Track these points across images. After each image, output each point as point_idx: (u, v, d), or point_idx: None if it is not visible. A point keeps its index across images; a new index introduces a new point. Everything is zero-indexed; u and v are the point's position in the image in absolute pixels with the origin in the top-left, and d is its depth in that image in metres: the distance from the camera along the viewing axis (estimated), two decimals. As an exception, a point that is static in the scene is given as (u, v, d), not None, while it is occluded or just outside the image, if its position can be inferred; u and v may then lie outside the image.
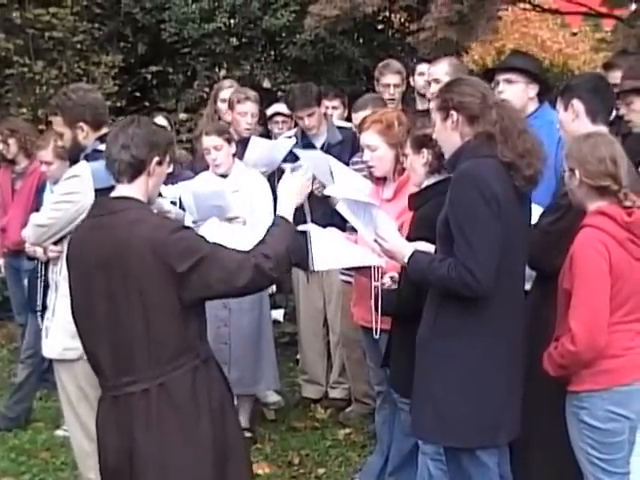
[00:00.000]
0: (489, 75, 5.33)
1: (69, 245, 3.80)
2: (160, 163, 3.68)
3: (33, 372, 6.61)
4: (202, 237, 3.58)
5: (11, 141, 7.09)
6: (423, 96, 7.16)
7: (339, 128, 6.67)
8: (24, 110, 10.21)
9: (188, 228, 3.62)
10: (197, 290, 3.47)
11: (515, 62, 5.44)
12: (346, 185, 5.45)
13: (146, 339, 3.48)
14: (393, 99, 6.97)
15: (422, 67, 7.26)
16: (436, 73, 6.12)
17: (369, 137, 4.97)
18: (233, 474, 3.67)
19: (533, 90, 5.26)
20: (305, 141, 6.59)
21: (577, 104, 4.35)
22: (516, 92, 5.15)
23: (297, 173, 3.95)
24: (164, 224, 3.56)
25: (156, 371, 3.49)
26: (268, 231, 3.67)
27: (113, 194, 3.67)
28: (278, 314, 7.73)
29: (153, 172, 3.66)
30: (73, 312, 3.73)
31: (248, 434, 5.94)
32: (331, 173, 5.72)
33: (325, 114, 6.79)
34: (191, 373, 3.55)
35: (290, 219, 3.74)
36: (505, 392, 3.81)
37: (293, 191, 3.84)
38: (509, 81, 5.24)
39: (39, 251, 4.91)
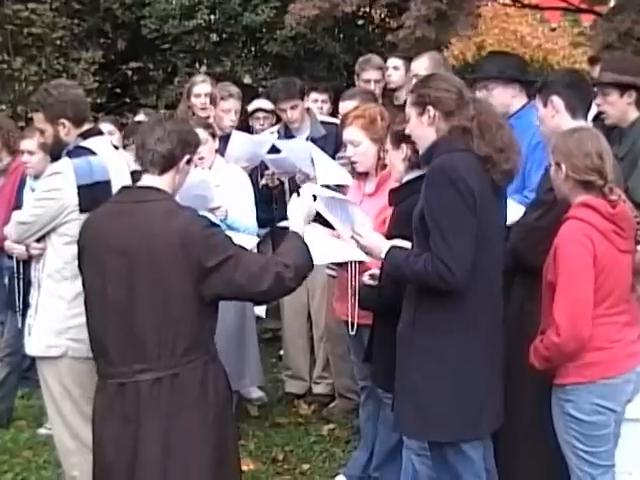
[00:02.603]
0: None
1: (83, 227, 3.82)
2: (189, 162, 3.77)
3: (13, 371, 6.56)
4: (229, 237, 3.67)
5: (-7, 138, 7.02)
6: (393, 91, 7.17)
7: (323, 123, 6.68)
8: (3, 107, 10.16)
9: (217, 226, 3.73)
10: (220, 287, 3.54)
11: (488, 69, 5.48)
12: (325, 172, 5.45)
13: (163, 328, 3.53)
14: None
15: (394, 61, 7.24)
16: (416, 69, 6.12)
17: (352, 132, 4.97)
18: (230, 470, 3.75)
19: (514, 89, 5.30)
20: (288, 135, 6.59)
21: (556, 100, 4.37)
22: (496, 96, 5.21)
23: (303, 196, 4.03)
24: (197, 219, 3.65)
25: (171, 361, 3.54)
26: (285, 243, 3.78)
27: (140, 183, 3.73)
28: (260, 310, 7.70)
29: (182, 169, 3.75)
30: (86, 295, 3.76)
31: (232, 430, 5.96)
32: (312, 160, 5.72)
33: (308, 109, 6.79)
34: (202, 367, 3.62)
35: (302, 233, 3.84)
36: (485, 384, 3.82)
37: (302, 210, 3.94)
38: (486, 87, 5.28)
39: (17, 249, 4.88)
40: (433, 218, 3.66)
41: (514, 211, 4.29)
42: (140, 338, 3.54)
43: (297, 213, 3.92)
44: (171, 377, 3.54)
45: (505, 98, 5.24)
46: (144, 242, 3.52)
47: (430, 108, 3.83)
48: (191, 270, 3.49)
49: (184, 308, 3.53)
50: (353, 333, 4.66)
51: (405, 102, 6.60)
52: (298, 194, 4.06)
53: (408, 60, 7.16)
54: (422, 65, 6.09)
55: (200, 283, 3.51)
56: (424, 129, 3.88)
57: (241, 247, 3.66)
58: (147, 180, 3.71)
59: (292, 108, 6.54)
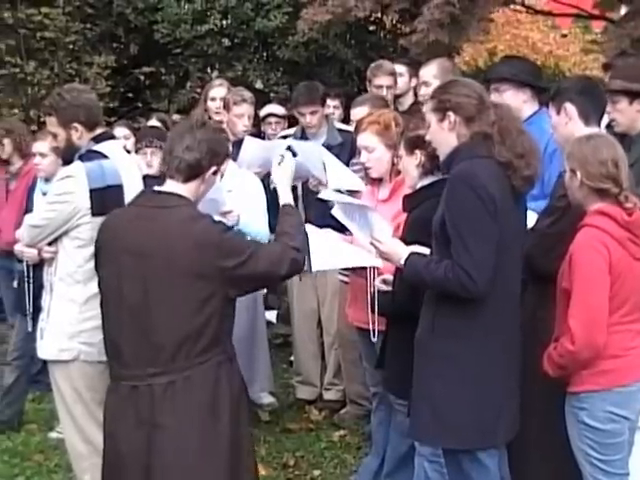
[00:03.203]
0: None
1: (101, 228, 3.82)
2: (215, 173, 3.76)
3: (22, 374, 6.56)
4: (244, 237, 3.79)
5: (6, 141, 7.04)
6: (397, 97, 7.17)
7: (340, 131, 6.65)
8: (16, 111, 10.23)
9: (232, 229, 3.78)
10: (245, 283, 3.64)
11: (502, 71, 5.48)
12: (338, 177, 5.44)
13: (180, 331, 3.53)
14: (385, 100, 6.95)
15: (398, 67, 7.24)
16: (425, 76, 6.10)
17: (366, 138, 4.96)
18: (245, 471, 3.74)
19: (525, 94, 5.28)
20: (304, 140, 6.55)
21: (569, 107, 4.36)
22: (506, 99, 5.16)
23: (284, 162, 4.10)
24: (215, 224, 3.66)
25: (185, 364, 3.55)
26: (285, 221, 3.83)
27: (162, 188, 3.72)
28: (271, 315, 7.73)
29: (207, 179, 3.75)
30: (102, 296, 3.76)
31: (243, 435, 5.95)
32: (324, 165, 5.71)
33: (327, 116, 6.77)
34: (215, 368, 3.61)
35: (291, 200, 3.95)
36: (502, 392, 3.81)
37: (286, 177, 4.04)
38: (498, 90, 5.26)
39: (27, 252, 4.89)
40: (454, 225, 3.66)
41: (529, 218, 4.28)
42: (155, 342, 3.55)
43: (283, 183, 4.00)
44: (184, 379, 3.54)
45: (516, 102, 5.22)
46: (162, 246, 3.53)
47: (451, 114, 3.82)
48: (210, 274, 3.51)
49: (200, 312, 3.53)
50: (374, 340, 4.63)
51: (409, 108, 6.68)
52: (317, 199, 4.05)
53: (412, 66, 7.19)
54: (430, 72, 6.08)
55: (223, 284, 3.53)
56: (445, 135, 3.87)
57: (256, 241, 3.77)
58: (170, 186, 3.70)
59: (312, 113, 6.51)
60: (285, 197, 3.94)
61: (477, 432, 3.78)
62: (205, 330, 3.55)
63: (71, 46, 10.74)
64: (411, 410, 3.98)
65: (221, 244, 3.54)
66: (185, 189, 3.69)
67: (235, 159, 6.17)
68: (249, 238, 5.52)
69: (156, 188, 3.75)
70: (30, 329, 5.31)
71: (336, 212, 4.67)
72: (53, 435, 6.28)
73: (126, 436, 3.61)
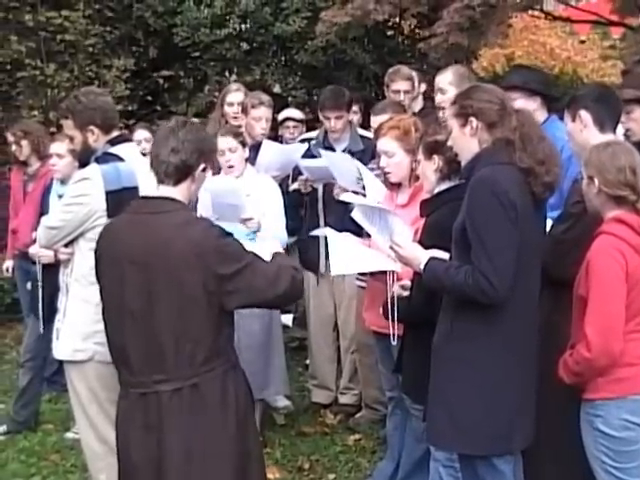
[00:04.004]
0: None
1: (100, 237, 3.80)
2: (205, 170, 3.72)
3: (35, 376, 6.60)
4: (242, 245, 3.64)
5: (24, 143, 7.08)
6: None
7: (362, 137, 6.64)
8: (35, 113, 10.27)
9: (231, 234, 3.67)
10: (242, 295, 3.53)
11: (512, 79, 5.49)
12: (372, 189, 5.45)
13: (182, 339, 3.50)
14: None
15: None
16: (440, 82, 6.11)
17: (386, 143, 4.98)
18: (254, 476, 3.72)
19: (535, 102, 5.28)
20: (327, 144, 6.56)
21: (584, 114, 4.36)
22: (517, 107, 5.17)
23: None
24: (211, 229, 3.59)
25: (190, 371, 3.52)
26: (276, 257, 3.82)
27: (155, 194, 3.69)
28: (287, 319, 7.73)
29: (197, 178, 3.71)
30: (103, 305, 3.74)
31: (258, 438, 5.97)
32: (358, 178, 5.71)
33: (350, 122, 6.76)
34: (222, 376, 3.59)
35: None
36: (519, 398, 3.81)
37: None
38: (509, 98, 5.26)
39: (43, 254, 4.91)
40: (475, 231, 3.66)
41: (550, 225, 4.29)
42: (159, 348, 3.52)
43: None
44: (190, 387, 3.52)
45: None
46: (160, 253, 3.49)
47: (473, 119, 3.82)
48: (208, 280, 3.46)
49: (202, 318, 3.51)
50: (394, 343, 4.64)
51: (418, 112, 6.68)
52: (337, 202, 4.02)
53: (421, 72, 7.21)
54: (446, 79, 6.08)
55: (219, 293, 3.49)
56: (467, 140, 3.87)
57: (255, 254, 3.63)
58: (162, 191, 3.66)
59: (337, 118, 6.49)
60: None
61: (492, 438, 3.78)
62: (205, 338, 3.52)
63: (91, 49, 10.77)
64: (427, 415, 3.99)
65: (218, 249, 3.49)
66: (177, 192, 3.65)
67: (253, 163, 6.20)
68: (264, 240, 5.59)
69: (150, 194, 3.73)
70: (42, 331, 5.35)
71: (356, 215, 4.68)
72: (69, 435, 6.33)
73: (136, 443, 3.61)
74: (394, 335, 4.58)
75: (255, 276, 3.52)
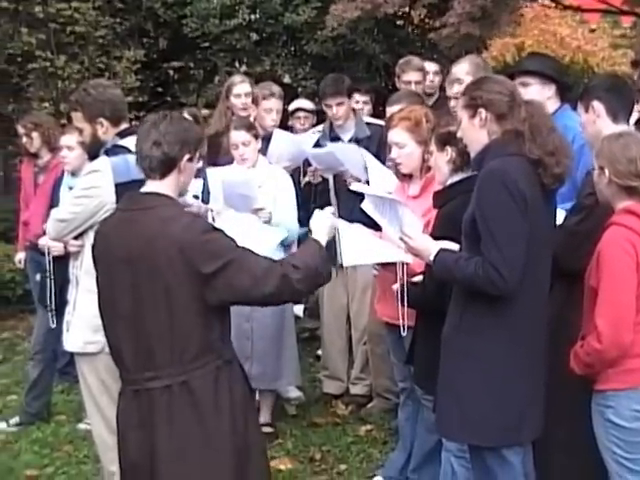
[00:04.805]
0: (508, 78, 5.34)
1: (95, 238, 3.80)
2: (191, 160, 3.66)
3: (46, 368, 6.64)
4: (232, 240, 3.56)
5: (34, 135, 7.11)
6: (429, 95, 7.22)
7: (367, 124, 6.66)
8: (46, 104, 10.30)
9: (219, 230, 3.60)
10: (222, 293, 3.46)
11: (529, 64, 5.47)
12: (378, 179, 5.45)
13: (169, 336, 3.48)
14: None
15: (428, 66, 7.30)
16: (457, 72, 6.10)
17: (397, 134, 4.97)
18: (253, 475, 3.67)
19: (550, 90, 5.26)
20: (333, 135, 6.58)
21: (597, 105, 4.35)
22: (531, 94, 5.12)
23: (326, 211, 3.96)
24: (195, 225, 3.53)
25: (179, 369, 3.49)
26: (301, 245, 3.70)
27: (143, 189, 3.66)
28: (298, 309, 7.76)
29: (184, 169, 3.65)
30: (99, 305, 3.74)
31: (270, 429, 5.99)
32: (365, 167, 5.72)
33: (354, 109, 6.78)
34: (214, 373, 3.54)
35: (323, 244, 3.73)
36: (527, 390, 3.81)
37: (326, 224, 3.84)
38: (524, 84, 5.24)
39: (53, 246, 4.93)
40: (485, 222, 3.66)
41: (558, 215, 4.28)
42: (148, 346, 3.50)
43: (321, 226, 3.82)
44: (180, 384, 3.49)
45: (541, 97, 5.17)
46: (145, 250, 3.46)
47: (482, 110, 3.82)
48: (191, 277, 3.42)
49: (189, 315, 3.47)
50: (404, 334, 4.64)
51: (434, 103, 6.69)
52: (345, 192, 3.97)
53: (437, 64, 7.24)
54: (463, 69, 6.07)
55: (203, 289, 3.43)
56: (476, 132, 3.86)
57: (246, 249, 3.56)
58: (150, 186, 3.64)
59: (338, 105, 6.52)
60: (317, 234, 3.76)
61: (501, 429, 3.78)
62: (193, 334, 3.48)
63: (101, 40, 10.79)
64: (436, 406, 4.00)
65: (201, 244, 3.43)
66: (164, 186, 3.61)
67: (264, 153, 6.22)
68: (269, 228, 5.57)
69: (141, 190, 3.69)
70: (52, 324, 5.37)
71: (366, 205, 4.68)
72: (82, 426, 6.35)
73: (131, 440, 3.60)
74: (404, 326, 4.58)
75: (238, 274, 3.43)
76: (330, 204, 6.35)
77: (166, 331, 3.47)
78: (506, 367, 3.76)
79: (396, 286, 4.49)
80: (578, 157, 4.77)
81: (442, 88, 7.00)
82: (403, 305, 4.50)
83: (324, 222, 3.84)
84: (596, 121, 4.36)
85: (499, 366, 3.76)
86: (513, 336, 3.75)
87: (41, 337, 6.46)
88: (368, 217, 4.81)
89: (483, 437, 3.81)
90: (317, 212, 3.91)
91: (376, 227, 4.74)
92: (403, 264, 4.51)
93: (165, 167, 3.60)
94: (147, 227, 3.50)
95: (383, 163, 5.81)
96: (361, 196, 4.90)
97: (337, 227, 3.94)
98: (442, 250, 3.89)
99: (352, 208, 5.59)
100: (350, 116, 6.65)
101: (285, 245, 5.89)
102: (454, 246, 3.96)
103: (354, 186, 5.18)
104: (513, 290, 3.65)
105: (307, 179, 6.59)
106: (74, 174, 6.11)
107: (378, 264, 4.86)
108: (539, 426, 3.91)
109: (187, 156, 3.64)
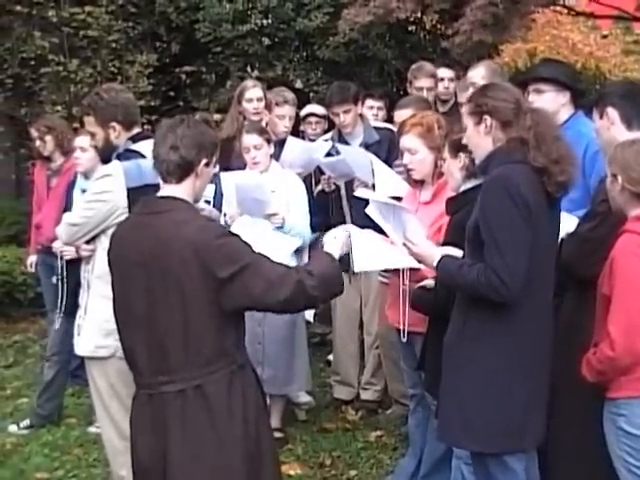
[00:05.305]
0: (521, 85, 5.32)
1: (110, 241, 3.81)
2: (207, 164, 3.67)
3: (60, 370, 6.66)
4: (248, 245, 3.55)
5: (47, 138, 7.13)
6: (444, 102, 7.22)
7: (377, 129, 6.66)
8: (58, 108, 10.29)
9: (234, 234, 3.61)
10: (237, 298, 3.46)
11: (543, 71, 5.45)
12: (386, 183, 5.45)
13: (183, 340, 3.48)
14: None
15: (442, 72, 7.30)
16: (474, 77, 6.10)
17: (409, 140, 4.98)
18: (268, 476, 3.67)
19: (564, 97, 5.25)
20: (342, 141, 6.57)
21: (611, 112, 4.34)
22: (546, 101, 5.13)
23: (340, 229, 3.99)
24: (210, 228, 3.55)
25: (193, 373, 3.49)
26: (315, 256, 3.73)
27: (160, 193, 3.67)
28: (309, 314, 7.73)
29: (201, 173, 3.65)
30: (114, 308, 3.74)
31: (280, 434, 5.96)
32: (372, 171, 5.73)
33: (361, 115, 6.77)
34: (228, 377, 3.54)
35: (336, 258, 3.75)
36: (530, 397, 3.80)
37: (337, 242, 3.87)
38: (538, 91, 5.23)
39: (66, 250, 4.93)
40: (488, 229, 3.66)
41: (568, 222, 4.27)
42: (163, 350, 3.50)
43: (335, 241, 3.85)
44: (194, 389, 3.48)
45: (555, 105, 5.19)
46: (160, 253, 3.46)
47: (487, 117, 3.82)
48: (206, 281, 3.42)
49: (204, 319, 3.46)
50: (404, 340, 4.65)
51: (450, 109, 6.69)
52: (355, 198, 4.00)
53: (452, 70, 7.25)
54: (479, 73, 6.08)
55: (217, 294, 3.43)
56: (481, 139, 3.87)
57: (261, 255, 3.55)
58: (166, 190, 3.64)
59: (345, 112, 6.52)
60: (330, 248, 3.80)
61: (504, 436, 3.78)
62: (206, 337, 3.48)
63: (113, 44, 10.81)
64: (439, 412, 4.01)
65: (217, 248, 3.43)
66: (181, 190, 3.61)
67: (277, 159, 6.23)
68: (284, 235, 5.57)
69: (157, 194, 3.69)
70: (59, 326, 5.37)
71: (371, 211, 4.68)
72: (92, 429, 6.37)
73: (145, 444, 3.60)
74: (404, 332, 4.59)
75: (253, 279, 3.43)
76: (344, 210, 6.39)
77: (180, 333, 3.47)
78: (509, 374, 3.76)
79: (405, 288, 4.50)
80: (592, 164, 4.78)
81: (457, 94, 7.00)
82: (405, 310, 4.51)
83: (338, 238, 3.88)
84: (610, 128, 4.35)
85: (502, 373, 3.76)
86: (516, 343, 3.75)
87: (58, 339, 6.47)
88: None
89: (485, 444, 3.82)
90: (329, 233, 3.95)
91: (385, 232, 4.75)
92: (404, 270, 4.52)
93: (182, 171, 3.61)
94: (161, 230, 3.50)
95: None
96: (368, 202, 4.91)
97: (349, 234, 3.95)
98: (445, 256, 3.90)
99: (363, 214, 5.59)
100: (358, 122, 6.65)
101: (297, 251, 5.90)
102: (458, 252, 3.97)
103: (359, 192, 5.19)
104: (515, 297, 3.65)
105: (320, 187, 6.59)
106: (87, 176, 6.13)
107: (387, 271, 4.86)
108: (542, 433, 3.91)
109: (204, 160, 3.64)
